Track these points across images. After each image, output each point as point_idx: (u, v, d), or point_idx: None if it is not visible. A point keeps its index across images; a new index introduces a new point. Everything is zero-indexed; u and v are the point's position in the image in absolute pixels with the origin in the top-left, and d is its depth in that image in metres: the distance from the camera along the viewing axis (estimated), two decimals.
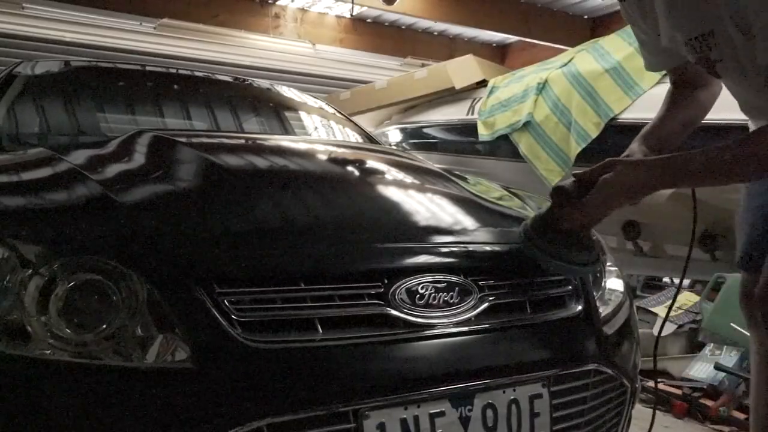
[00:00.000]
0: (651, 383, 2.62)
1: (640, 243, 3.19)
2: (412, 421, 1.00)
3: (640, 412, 1.50)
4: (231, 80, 2.70)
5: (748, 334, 1.49)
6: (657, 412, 2.49)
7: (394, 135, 4.47)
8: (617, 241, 3.18)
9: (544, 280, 1.26)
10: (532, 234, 1.19)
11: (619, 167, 1.11)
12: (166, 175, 1.39)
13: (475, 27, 7.31)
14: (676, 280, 4.25)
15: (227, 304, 0.96)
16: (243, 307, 0.97)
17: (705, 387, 2.55)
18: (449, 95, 4.11)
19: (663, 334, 3.05)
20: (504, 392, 1.09)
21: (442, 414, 1.03)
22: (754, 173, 1.12)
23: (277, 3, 7.10)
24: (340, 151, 1.90)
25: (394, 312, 1.05)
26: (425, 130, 4.20)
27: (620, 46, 3.03)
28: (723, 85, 1.39)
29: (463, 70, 4.02)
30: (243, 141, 1.95)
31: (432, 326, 1.08)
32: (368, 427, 0.97)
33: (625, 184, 1.10)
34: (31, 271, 0.95)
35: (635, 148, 1.30)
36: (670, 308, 1.49)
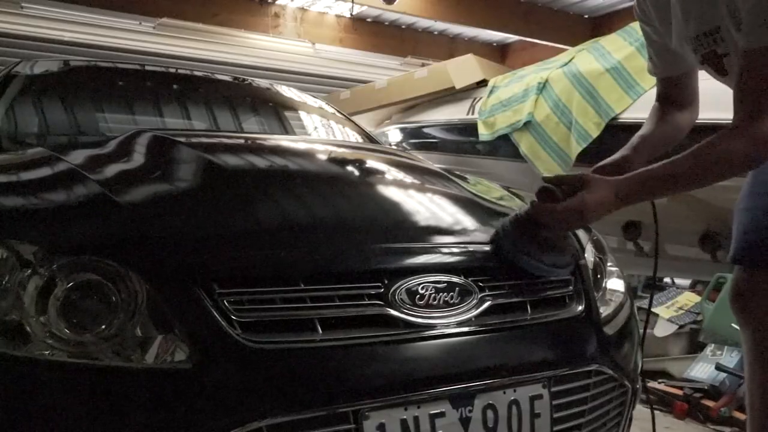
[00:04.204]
0: (652, 383, 2.62)
1: (640, 243, 3.18)
2: (412, 421, 1.00)
3: (640, 413, 1.50)
4: (230, 80, 2.69)
5: (740, 331, 1.50)
6: (658, 412, 2.50)
7: (394, 135, 4.47)
8: (618, 241, 3.17)
9: (544, 280, 1.26)
10: (509, 228, 1.22)
11: (593, 186, 1.18)
12: (166, 175, 1.38)
13: (476, 26, 7.30)
14: (678, 281, 4.25)
15: (226, 304, 0.96)
16: (242, 307, 0.97)
17: (706, 387, 2.55)
18: (449, 95, 4.11)
19: (663, 334, 3.06)
20: (504, 393, 1.09)
21: (442, 415, 1.03)
22: (708, 180, 1.18)
23: (277, 2, 7.09)
24: (340, 151, 1.90)
25: (394, 312, 1.05)
26: (425, 130, 4.20)
27: (621, 46, 3.03)
28: (697, 114, 1.47)
29: (463, 69, 4.02)
30: (242, 141, 1.94)
31: (432, 326, 1.07)
32: (368, 427, 0.97)
33: (597, 202, 1.17)
34: (30, 271, 0.94)
35: (618, 159, 1.36)
36: (649, 310, 1.51)
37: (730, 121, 1.17)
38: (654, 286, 1.54)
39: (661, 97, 1.48)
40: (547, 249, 1.20)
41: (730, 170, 1.16)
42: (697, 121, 1.48)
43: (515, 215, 1.23)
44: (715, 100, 1.51)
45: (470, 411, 1.05)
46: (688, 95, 1.46)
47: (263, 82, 2.84)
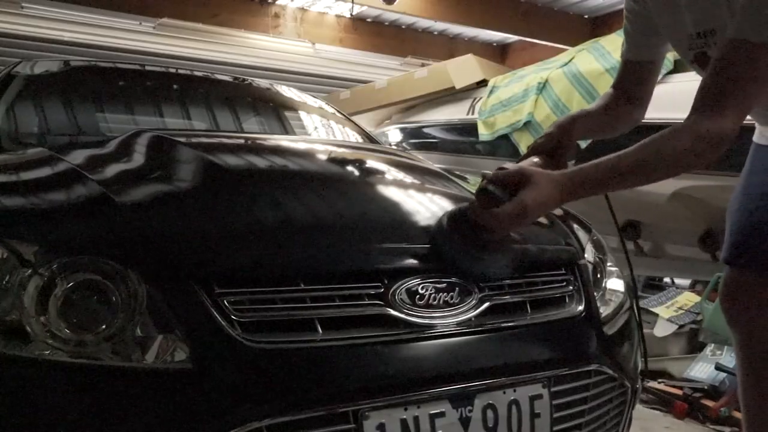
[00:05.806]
0: (652, 383, 2.62)
1: (640, 243, 3.19)
2: (412, 421, 1.00)
3: (640, 412, 1.50)
4: (230, 80, 2.70)
5: (731, 332, 1.50)
6: (658, 412, 2.50)
7: (394, 135, 4.47)
8: (618, 241, 3.17)
9: (544, 280, 1.26)
10: (447, 229, 1.15)
11: (534, 183, 1.10)
12: (166, 175, 1.38)
13: (475, 26, 7.30)
14: (677, 281, 4.26)
15: (227, 304, 0.96)
16: (242, 307, 0.97)
17: (706, 387, 2.55)
18: (449, 95, 4.11)
19: (663, 334, 3.05)
20: (504, 393, 1.09)
21: (442, 414, 1.03)
22: (656, 177, 1.14)
23: (277, 2, 7.10)
24: (340, 151, 1.90)
25: (394, 312, 1.05)
26: (425, 130, 4.20)
27: (620, 46, 3.03)
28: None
29: (463, 69, 4.02)
30: (242, 141, 1.94)
31: (432, 326, 1.07)
32: (368, 427, 0.97)
33: (539, 202, 1.09)
34: (30, 271, 0.94)
35: (554, 133, 1.35)
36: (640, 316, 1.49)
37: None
38: (633, 282, 1.50)
39: (617, 84, 1.47)
40: (487, 251, 1.14)
41: (675, 167, 1.12)
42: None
43: (452, 215, 1.17)
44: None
45: (470, 411, 1.05)
46: (642, 91, 1.44)
47: (263, 82, 2.84)
